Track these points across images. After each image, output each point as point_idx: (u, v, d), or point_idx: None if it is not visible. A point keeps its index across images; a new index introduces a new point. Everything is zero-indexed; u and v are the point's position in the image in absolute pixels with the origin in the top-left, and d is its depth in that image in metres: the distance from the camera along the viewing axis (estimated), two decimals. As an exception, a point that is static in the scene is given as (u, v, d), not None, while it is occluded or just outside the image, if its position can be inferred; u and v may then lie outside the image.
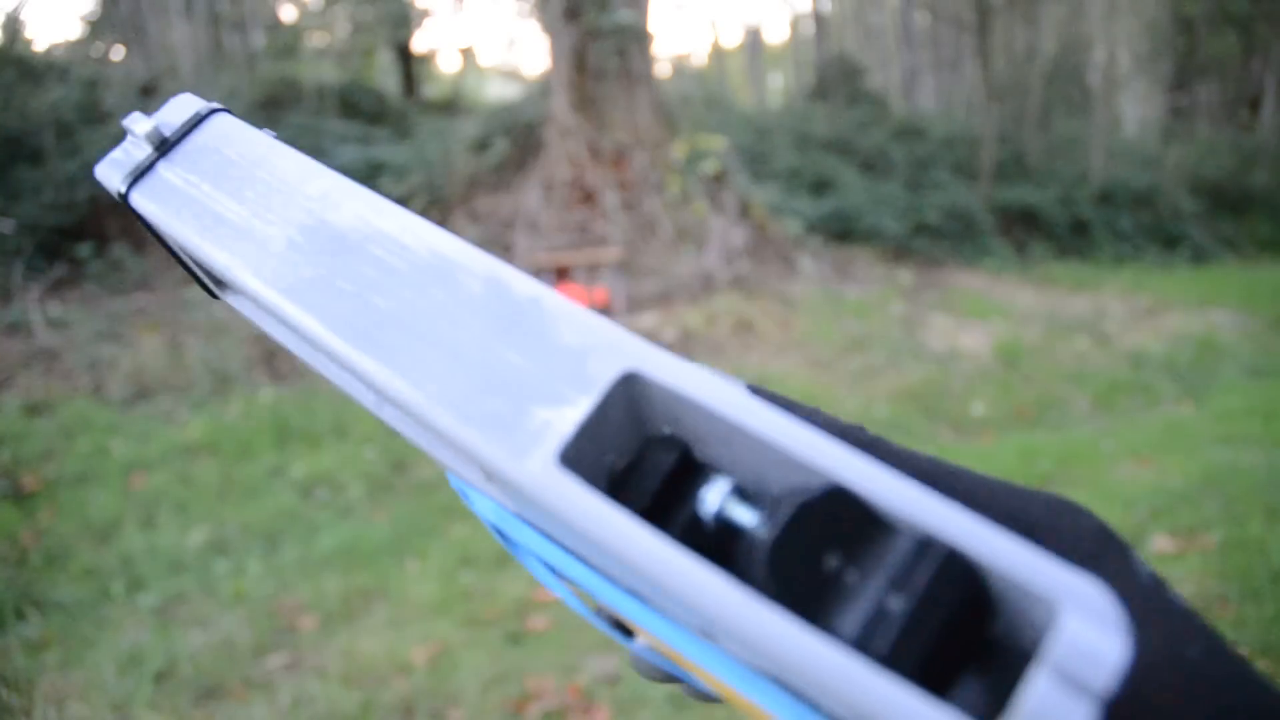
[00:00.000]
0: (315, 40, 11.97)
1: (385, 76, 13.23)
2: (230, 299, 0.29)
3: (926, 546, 0.17)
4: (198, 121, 0.25)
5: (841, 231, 7.62)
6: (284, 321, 0.22)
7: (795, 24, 19.74)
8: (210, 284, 0.29)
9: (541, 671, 2.03)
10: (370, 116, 8.73)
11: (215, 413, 3.96)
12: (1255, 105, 13.67)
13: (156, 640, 2.18)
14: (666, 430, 0.20)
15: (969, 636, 0.17)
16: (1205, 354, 4.99)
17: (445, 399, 0.20)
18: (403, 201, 6.50)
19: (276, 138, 0.25)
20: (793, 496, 0.18)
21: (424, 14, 12.69)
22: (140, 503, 3.10)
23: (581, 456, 0.19)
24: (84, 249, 5.62)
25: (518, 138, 6.99)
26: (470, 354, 0.20)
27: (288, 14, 12.43)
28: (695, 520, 0.19)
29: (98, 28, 9.62)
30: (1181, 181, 9.99)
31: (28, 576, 2.59)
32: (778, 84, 22.38)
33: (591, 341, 0.20)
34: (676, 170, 6.58)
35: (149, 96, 6.53)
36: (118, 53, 9.32)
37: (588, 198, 6.48)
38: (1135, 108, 14.42)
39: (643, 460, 0.20)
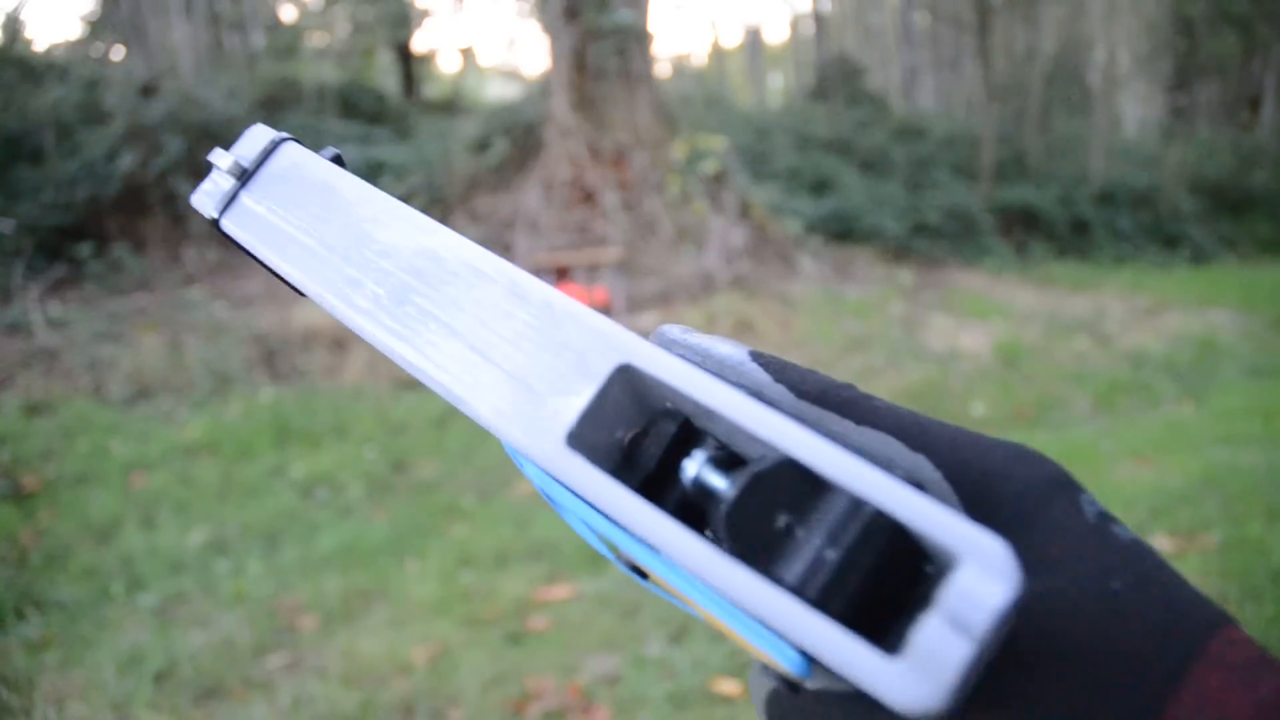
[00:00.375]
0: (315, 40, 11.98)
1: (385, 76, 13.23)
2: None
3: (858, 508, 0.20)
4: (270, 151, 0.29)
5: (841, 231, 7.62)
6: (346, 326, 0.27)
7: (795, 24, 19.75)
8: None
9: (541, 671, 2.03)
10: (370, 116, 8.73)
11: (215, 413, 3.96)
12: (1255, 105, 13.68)
13: (156, 640, 2.18)
14: (669, 405, 0.24)
15: (915, 583, 0.20)
16: (1205, 354, 4.99)
17: (478, 393, 0.24)
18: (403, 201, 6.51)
19: (334, 158, 0.29)
20: (752, 466, 0.21)
21: (424, 14, 12.70)
22: (140, 503, 3.10)
23: (586, 436, 0.23)
24: (84, 249, 5.62)
25: (518, 138, 6.99)
26: (495, 351, 0.24)
27: (288, 14, 12.44)
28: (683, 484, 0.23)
29: (98, 28, 9.62)
30: (1181, 181, 9.99)
31: (28, 576, 2.59)
32: (778, 84, 22.38)
33: (593, 339, 0.24)
34: (676, 170, 6.58)
35: (149, 96, 6.53)
36: (118, 53, 9.32)
37: (588, 198, 6.48)
38: (1135, 108, 14.42)
39: (649, 431, 0.24)
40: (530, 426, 0.23)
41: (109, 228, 6.09)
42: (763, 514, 0.21)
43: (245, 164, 0.29)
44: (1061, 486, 0.23)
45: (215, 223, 0.29)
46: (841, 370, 4.67)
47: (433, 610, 2.35)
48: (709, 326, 5.26)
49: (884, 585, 0.20)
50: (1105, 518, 0.23)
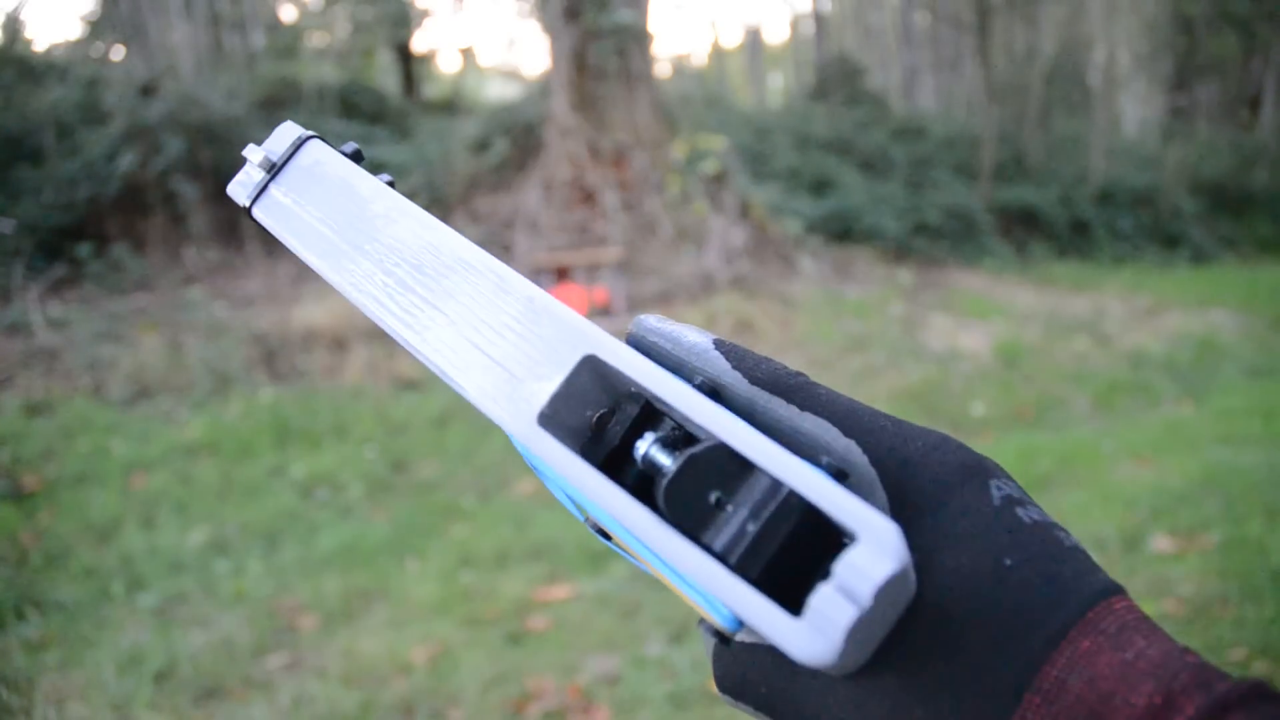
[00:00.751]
0: (315, 40, 11.97)
1: (385, 76, 13.23)
2: None
3: (776, 489, 0.23)
4: (297, 147, 0.32)
5: (841, 231, 7.62)
6: (357, 308, 0.30)
7: (795, 24, 19.75)
8: None
9: (541, 671, 2.03)
10: (370, 116, 8.73)
11: (215, 413, 3.95)
12: (1255, 105, 13.67)
13: (156, 640, 2.18)
14: (633, 389, 0.27)
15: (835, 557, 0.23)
16: (1205, 354, 4.98)
17: (467, 375, 0.27)
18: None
19: (354, 153, 0.32)
20: (689, 449, 0.25)
21: (424, 14, 12.69)
22: (140, 503, 3.10)
23: (556, 416, 0.26)
24: (84, 249, 5.62)
25: (518, 138, 6.99)
26: (482, 338, 0.28)
27: (288, 14, 12.44)
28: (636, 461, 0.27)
29: (98, 28, 9.62)
30: (1181, 181, 9.99)
31: (28, 576, 2.59)
32: (778, 84, 22.37)
33: (565, 331, 0.27)
34: (676, 170, 6.57)
35: (149, 96, 6.52)
36: (118, 53, 9.32)
37: (588, 198, 6.47)
38: (1135, 108, 14.42)
39: (615, 412, 0.27)
40: (509, 406, 0.26)
41: (109, 228, 6.09)
42: (697, 490, 0.24)
43: (274, 158, 0.32)
44: (973, 473, 0.26)
45: (248, 210, 0.32)
46: (841, 370, 4.67)
47: (433, 610, 2.35)
48: (709, 326, 5.26)
49: (801, 556, 0.23)
50: (1012, 501, 0.26)
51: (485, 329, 0.28)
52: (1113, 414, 4.08)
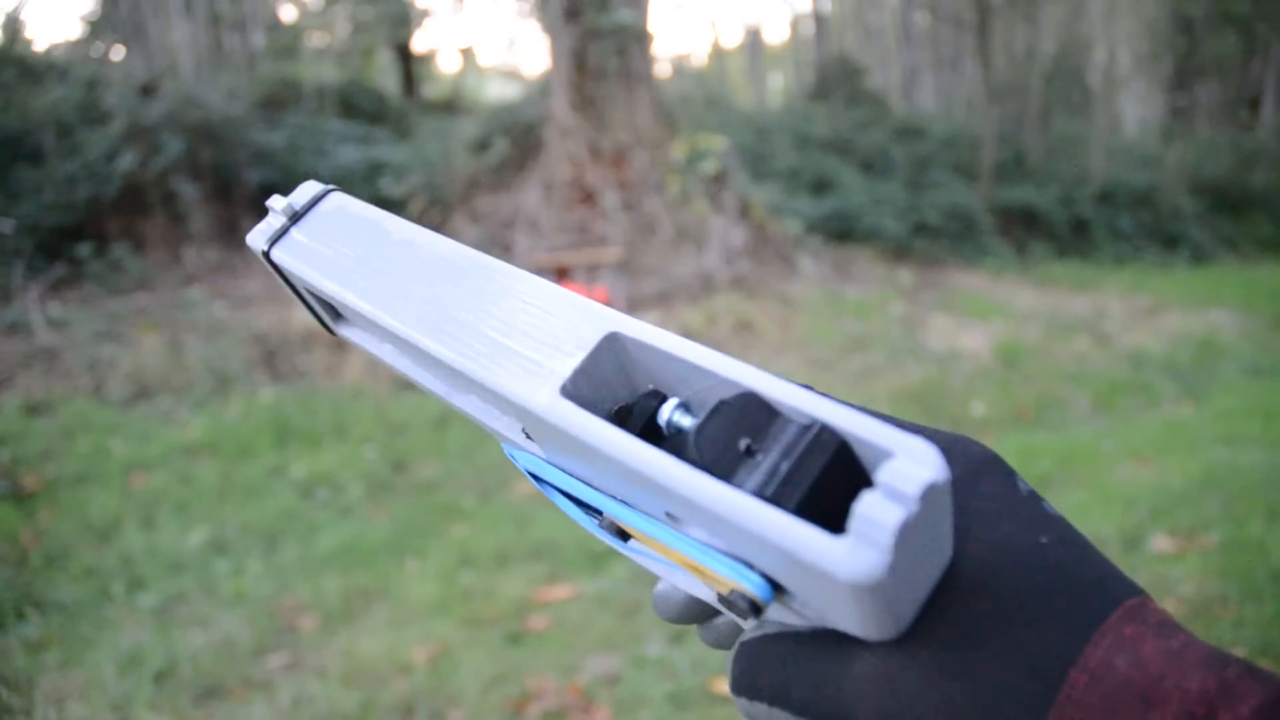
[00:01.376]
0: (315, 40, 11.98)
1: (385, 76, 13.23)
2: (343, 330, 0.37)
3: (807, 427, 0.24)
4: (320, 197, 0.34)
5: (841, 231, 7.62)
6: (377, 327, 0.31)
7: (795, 24, 19.76)
8: (328, 319, 0.37)
9: (541, 671, 2.03)
10: (370, 116, 8.73)
11: (215, 413, 3.95)
12: (1255, 105, 13.67)
13: (156, 640, 2.18)
14: (651, 387, 0.28)
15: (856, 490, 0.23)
16: (1205, 354, 4.98)
17: (488, 365, 0.28)
18: (403, 202, 6.50)
19: (372, 205, 0.33)
20: (721, 400, 0.25)
21: (424, 14, 12.69)
22: (140, 503, 3.10)
23: (579, 391, 0.27)
24: (84, 249, 5.62)
25: (518, 138, 6.98)
26: (506, 333, 0.28)
27: (288, 14, 12.44)
28: (662, 433, 0.27)
29: (98, 28, 9.62)
30: (1181, 181, 9.99)
31: (28, 576, 2.59)
32: (778, 84, 22.38)
33: (585, 315, 0.28)
34: (676, 170, 6.57)
35: (149, 96, 6.52)
36: (118, 53, 9.32)
37: (588, 198, 6.47)
38: (1135, 108, 14.42)
39: (634, 408, 0.27)
40: (531, 382, 0.27)
41: (109, 228, 6.09)
42: (726, 437, 0.24)
43: (297, 207, 0.33)
44: (997, 465, 0.27)
45: (266, 255, 0.33)
46: (841, 370, 4.67)
47: (433, 610, 2.35)
48: (709, 326, 5.27)
49: (837, 492, 0.23)
50: (1036, 495, 0.26)
51: (506, 324, 0.28)
52: (1113, 414, 4.08)
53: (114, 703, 1.93)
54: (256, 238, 0.33)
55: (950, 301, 6.30)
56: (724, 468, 0.24)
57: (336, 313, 0.36)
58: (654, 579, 0.32)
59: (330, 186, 0.34)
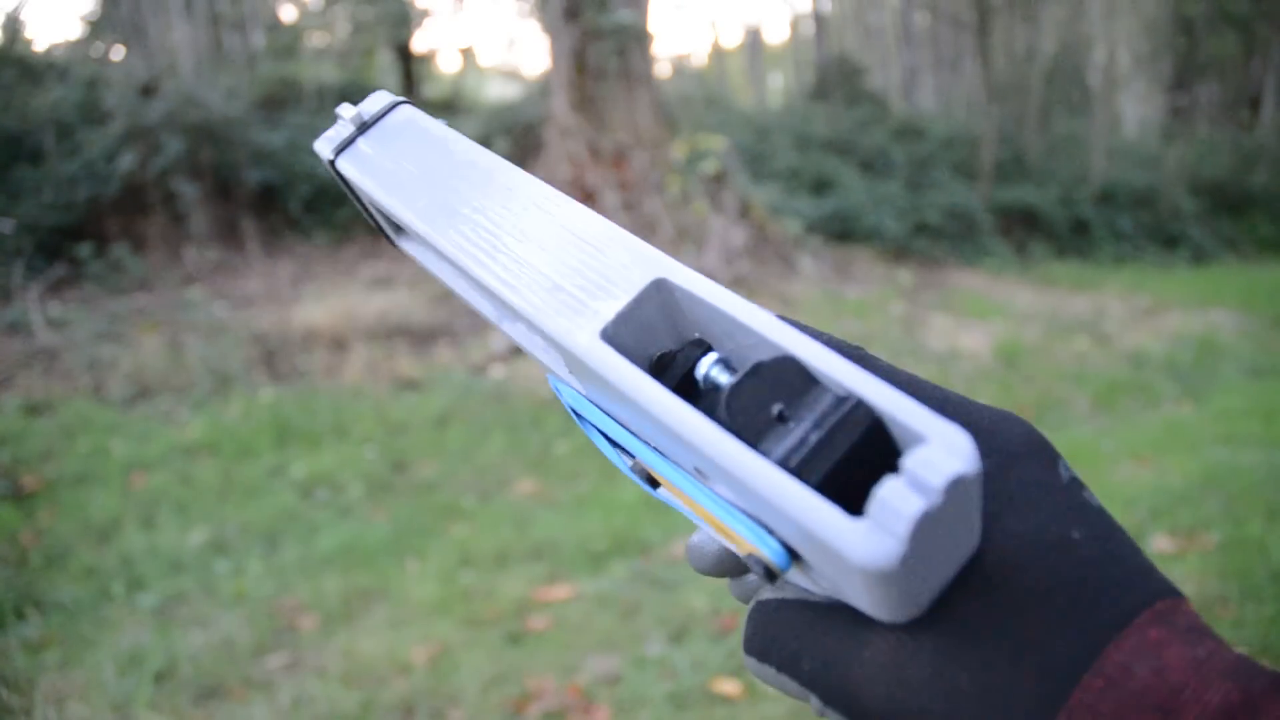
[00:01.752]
0: (315, 40, 11.98)
1: (385, 76, 13.23)
2: (403, 244, 0.36)
3: (843, 400, 0.23)
4: (389, 109, 0.33)
5: (841, 231, 7.62)
6: (433, 249, 0.30)
7: (795, 24, 19.75)
8: (390, 231, 0.36)
9: (541, 671, 2.03)
10: (370, 116, 8.71)
11: (215, 413, 3.95)
12: (1255, 105, 13.67)
13: (156, 640, 2.18)
14: (697, 335, 0.27)
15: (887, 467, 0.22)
16: (1205, 354, 4.98)
17: (533, 299, 0.27)
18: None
19: (447, 124, 0.33)
20: (758, 362, 0.24)
21: (424, 14, 12.69)
22: (140, 503, 3.10)
23: (620, 335, 0.26)
24: (84, 249, 5.62)
25: (518, 138, 6.99)
26: (555, 268, 0.28)
27: (288, 14, 12.44)
28: (699, 386, 0.26)
29: (98, 28, 9.62)
30: (1181, 181, 9.99)
31: (28, 576, 2.59)
32: (778, 84, 22.37)
33: (636, 258, 0.27)
34: (676, 170, 6.57)
35: (149, 96, 6.52)
36: (118, 53, 9.31)
37: (588, 198, 6.47)
38: (1135, 108, 14.42)
39: (678, 355, 0.27)
40: (573, 322, 0.26)
41: (109, 228, 6.09)
42: (760, 400, 0.23)
43: (366, 117, 0.33)
44: (1041, 448, 0.26)
45: (332, 163, 0.33)
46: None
47: (433, 610, 2.35)
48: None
49: (864, 470, 0.22)
50: (1077, 483, 0.25)
51: (556, 258, 0.28)
52: (1113, 414, 4.08)
53: (114, 703, 1.93)
54: (323, 145, 0.33)
55: (950, 301, 6.30)
56: (753, 432, 0.23)
57: (398, 226, 0.35)
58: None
59: (401, 99, 0.33)
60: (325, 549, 2.73)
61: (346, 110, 0.33)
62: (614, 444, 0.30)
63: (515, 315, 0.29)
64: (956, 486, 0.20)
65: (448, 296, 5.61)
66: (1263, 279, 7.49)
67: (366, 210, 0.36)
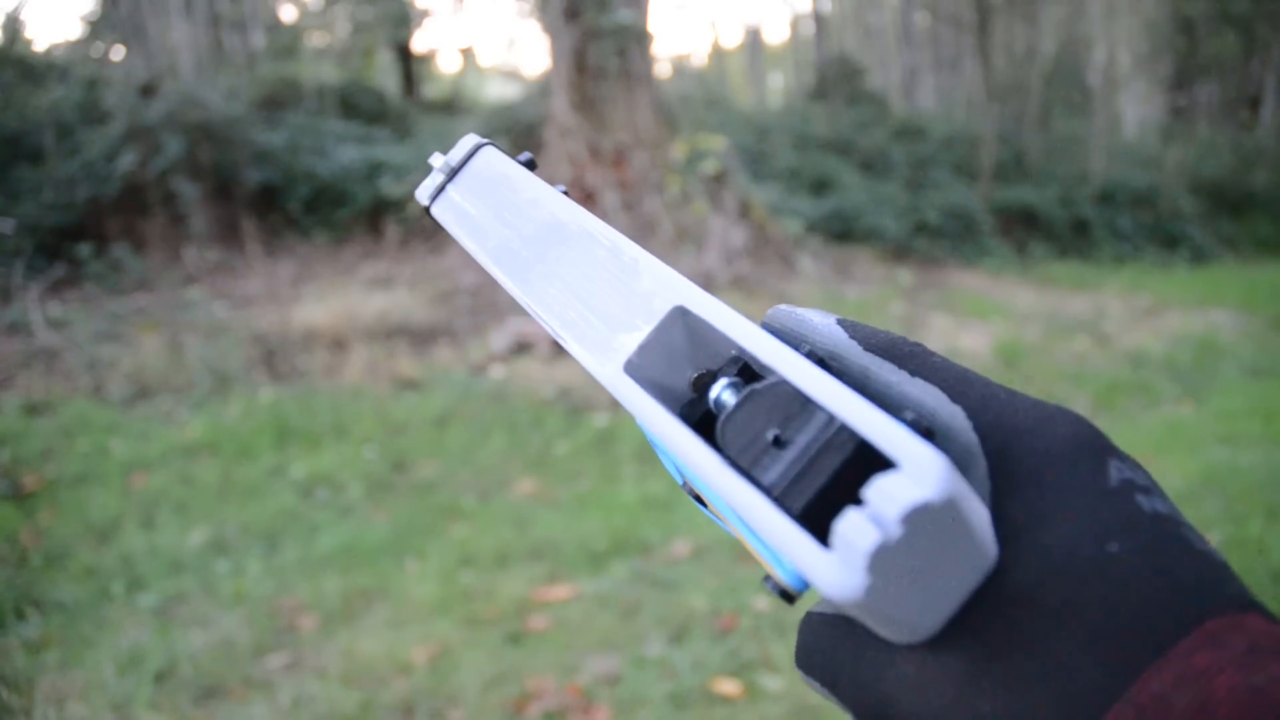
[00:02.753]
0: (315, 40, 11.98)
1: (385, 76, 13.23)
2: None
3: (829, 423, 0.23)
4: (472, 153, 0.35)
5: (841, 231, 7.62)
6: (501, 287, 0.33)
7: (795, 24, 19.76)
8: None
9: (541, 671, 2.03)
10: (370, 116, 8.72)
11: (215, 413, 3.95)
12: (1255, 105, 13.67)
13: (156, 640, 2.18)
14: (734, 352, 0.27)
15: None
16: (1205, 354, 4.98)
17: (571, 334, 0.29)
18: (403, 202, 6.50)
19: (527, 161, 0.34)
20: (752, 385, 0.25)
21: (424, 14, 12.69)
22: (140, 503, 3.10)
23: (645, 363, 0.27)
24: (84, 249, 5.62)
25: (518, 138, 6.99)
26: (591, 298, 0.29)
27: (288, 14, 12.44)
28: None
29: (98, 28, 9.62)
30: (1181, 181, 9.99)
31: (28, 576, 2.59)
32: (778, 84, 22.38)
33: (661, 286, 0.28)
34: (676, 170, 6.57)
35: (149, 96, 6.52)
36: (118, 53, 9.32)
37: (588, 198, 6.47)
38: (1135, 108, 14.41)
39: (719, 371, 0.27)
40: (601, 356, 0.28)
41: (109, 228, 6.09)
42: (754, 426, 0.24)
43: (453, 163, 0.35)
44: (1089, 449, 0.23)
45: (428, 210, 0.35)
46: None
47: (433, 610, 2.35)
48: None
49: (853, 495, 0.22)
50: (1133, 486, 0.23)
51: (594, 290, 0.29)
52: (1113, 414, 4.08)
53: (114, 703, 1.93)
54: (422, 193, 0.35)
55: (950, 301, 6.30)
56: (748, 459, 0.23)
57: None
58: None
59: (484, 141, 0.35)
60: (325, 549, 2.73)
61: (436, 159, 0.35)
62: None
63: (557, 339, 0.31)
64: (919, 515, 0.19)
65: (448, 296, 5.61)
66: (1263, 279, 7.48)
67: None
